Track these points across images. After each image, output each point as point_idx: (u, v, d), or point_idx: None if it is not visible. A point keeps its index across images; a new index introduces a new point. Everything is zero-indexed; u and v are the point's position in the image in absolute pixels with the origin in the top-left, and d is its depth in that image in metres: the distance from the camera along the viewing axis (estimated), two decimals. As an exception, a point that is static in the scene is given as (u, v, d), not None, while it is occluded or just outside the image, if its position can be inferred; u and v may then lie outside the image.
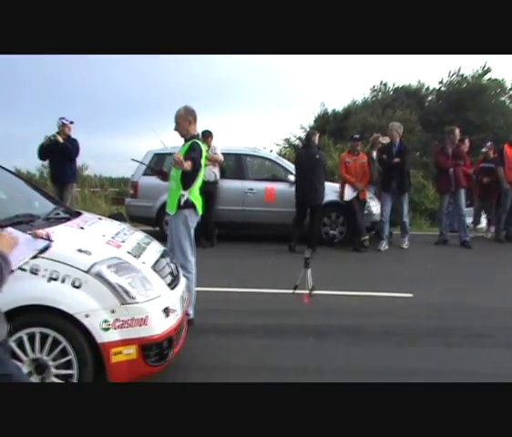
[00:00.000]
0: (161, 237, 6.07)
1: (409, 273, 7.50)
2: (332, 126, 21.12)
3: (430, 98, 24.55)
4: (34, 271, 2.98)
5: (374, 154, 9.79)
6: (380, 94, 24.87)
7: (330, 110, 23.69)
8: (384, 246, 9.02)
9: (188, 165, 4.55)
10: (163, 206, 8.29)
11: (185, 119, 4.80)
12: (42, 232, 2.31)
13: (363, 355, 4.35)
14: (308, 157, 8.93)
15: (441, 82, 23.99)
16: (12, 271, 2.16)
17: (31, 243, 2.22)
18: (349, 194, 9.13)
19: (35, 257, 2.25)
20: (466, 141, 10.25)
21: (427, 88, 24.51)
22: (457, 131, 9.77)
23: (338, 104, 24.78)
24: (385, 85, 24.85)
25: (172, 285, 3.67)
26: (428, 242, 10.03)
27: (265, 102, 45.26)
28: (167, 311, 3.34)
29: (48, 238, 2.28)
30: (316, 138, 9.25)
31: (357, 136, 9.86)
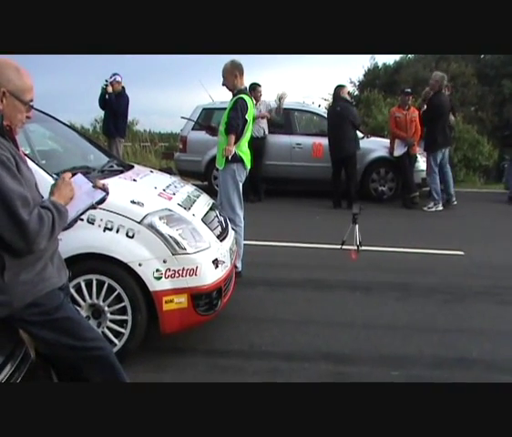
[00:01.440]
0: (209, 191, 6.16)
1: (461, 231, 7.33)
2: (382, 80, 20.39)
3: (488, 49, 23.27)
4: (90, 221, 3.12)
5: (426, 108, 9.47)
6: (434, 45, 23.72)
7: (380, 64, 22.87)
8: (431, 205, 8.71)
9: (231, 145, 4.69)
10: (211, 160, 8.41)
11: (231, 73, 4.80)
12: (100, 182, 2.34)
13: (411, 311, 4.32)
14: (332, 111, 9.05)
15: (501, 32, 22.65)
16: (75, 221, 2.23)
17: (91, 193, 2.26)
18: (399, 149, 8.91)
19: (92, 207, 2.30)
20: None
21: (485, 39, 23.21)
22: None
23: (389, 57, 23.77)
24: (440, 36, 23.68)
25: (221, 237, 3.74)
26: (481, 200, 9.72)
27: (314, 56, 44.21)
28: (216, 263, 3.42)
29: (104, 190, 2.31)
30: (343, 92, 9.09)
31: (409, 89, 9.54)
